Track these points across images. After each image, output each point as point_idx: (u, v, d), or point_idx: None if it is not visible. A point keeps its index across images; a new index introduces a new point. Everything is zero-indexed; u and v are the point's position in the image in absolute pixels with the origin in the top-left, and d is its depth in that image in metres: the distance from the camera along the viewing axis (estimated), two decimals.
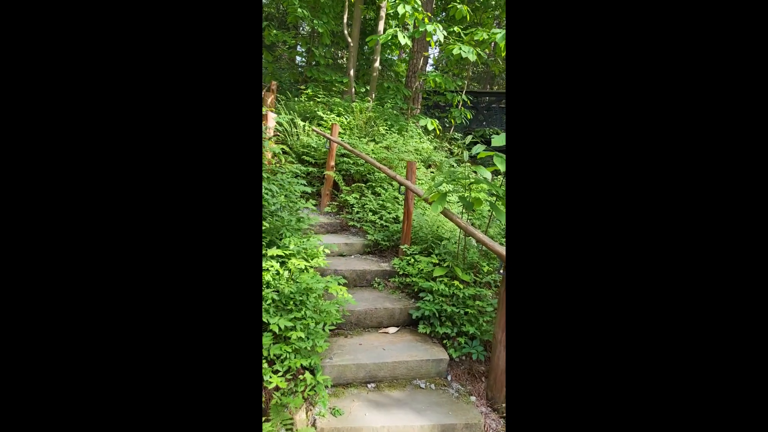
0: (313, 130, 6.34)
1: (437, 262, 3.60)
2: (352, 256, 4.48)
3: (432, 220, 4.44)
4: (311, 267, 3.23)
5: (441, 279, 3.34)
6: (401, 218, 4.64)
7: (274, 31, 8.86)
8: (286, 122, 6.84)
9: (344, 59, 8.87)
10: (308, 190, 5.60)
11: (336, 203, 5.46)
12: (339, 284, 3.07)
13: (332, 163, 5.54)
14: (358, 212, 5.01)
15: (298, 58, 11.21)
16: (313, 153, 6.01)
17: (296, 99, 8.60)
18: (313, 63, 9.84)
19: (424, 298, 3.30)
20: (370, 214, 4.95)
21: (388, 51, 10.22)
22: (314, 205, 5.64)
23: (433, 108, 10.68)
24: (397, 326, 3.33)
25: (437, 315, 3.19)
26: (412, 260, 3.84)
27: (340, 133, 6.75)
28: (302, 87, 9.19)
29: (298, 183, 4.26)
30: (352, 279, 4.00)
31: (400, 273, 3.91)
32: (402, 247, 4.12)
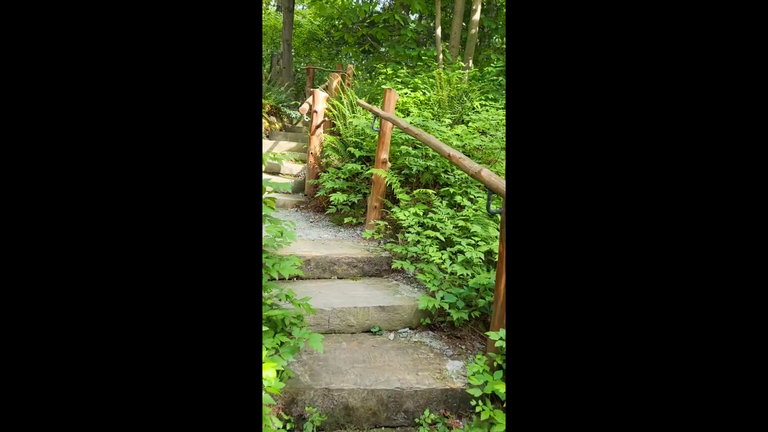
0: (358, 103, 4.15)
1: None
2: (390, 339, 2.21)
3: None
4: None
5: None
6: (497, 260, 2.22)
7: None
8: (345, 104, 4.81)
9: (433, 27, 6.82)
10: (341, 198, 3.40)
11: (387, 222, 3.23)
12: None
13: (384, 156, 3.32)
14: (417, 241, 2.72)
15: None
16: (363, 142, 3.85)
17: (370, 81, 6.58)
18: (395, 37, 7.77)
19: None
20: (435, 248, 2.63)
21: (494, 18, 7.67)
22: (356, 224, 3.46)
23: None
24: None
25: None
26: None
27: (404, 109, 4.49)
28: (379, 66, 7.16)
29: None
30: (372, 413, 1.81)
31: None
32: (491, 336, 1.76)
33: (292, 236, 2.12)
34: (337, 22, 10.09)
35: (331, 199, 3.40)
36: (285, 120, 7.07)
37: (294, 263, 1.86)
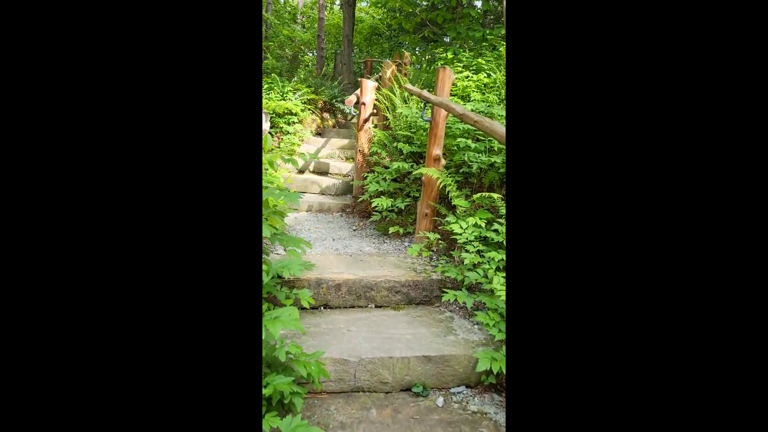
0: (405, 88, 3.48)
1: None
2: (439, 405, 1.54)
3: None
4: None
5: None
6: None
7: None
8: (397, 94, 4.21)
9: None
10: (385, 203, 2.81)
11: (439, 234, 2.57)
12: None
13: (436, 152, 2.65)
14: (477, 264, 2.04)
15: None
16: (414, 135, 3.19)
17: (427, 69, 5.93)
18: (458, 19, 6.98)
19: None
20: (501, 276, 1.92)
21: None
22: (403, 234, 2.85)
23: None
24: None
25: None
26: None
27: (465, 95, 3.76)
28: (439, 50, 6.44)
29: None
30: None
31: None
32: None
33: (295, 270, 1.56)
34: (398, 14, 9.54)
35: (374, 204, 2.82)
36: (339, 116, 6.63)
37: (291, 315, 1.29)
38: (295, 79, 5.89)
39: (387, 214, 2.94)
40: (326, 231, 3.16)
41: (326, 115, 6.36)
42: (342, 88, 6.82)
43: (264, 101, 5.23)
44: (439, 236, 2.41)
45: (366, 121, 4.10)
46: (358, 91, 4.25)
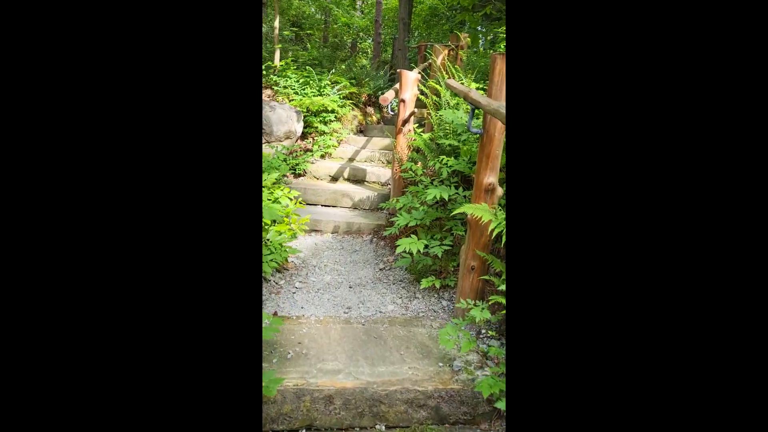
0: (446, 85, 2.52)
1: None
2: None
3: None
4: None
5: None
6: None
7: None
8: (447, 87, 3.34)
9: None
10: (416, 246, 2.04)
11: (490, 310, 1.70)
12: None
13: (490, 179, 1.76)
14: None
15: None
16: (462, 146, 2.30)
17: (487, 52, 4.95)
18: None
19: None
20: None
21: None
22: (441, 288, 2.04)
23: None
24: None
25: None
26: None
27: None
28: (501, 30, 5.37)
29: None
30: None
31: None
32: None
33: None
34: None
35: (399, 248, 2.02)
36: (384, 110, 5.82)
37: None
38: (333, 71, 5.14)
39: (419, 257, 2.14)
40: (345, 270, 2.43)
41: (370, 109, 5.59)
42: (389, 78, 5.99)
43: (297, 98, 4.57)
44: (489, 315, 1.57)
45: (406, 122, 3.28)
46: (397, 85, 3.43)
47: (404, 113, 3.23)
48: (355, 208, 3.59)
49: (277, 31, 5.37)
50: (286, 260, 2.37)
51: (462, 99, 2.64)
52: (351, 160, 4.46)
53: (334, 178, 4.08)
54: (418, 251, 1.95)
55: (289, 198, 2.51)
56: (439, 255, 1.97)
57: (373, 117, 5.54)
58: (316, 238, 3.02)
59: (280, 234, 2.25)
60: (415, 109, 3.14)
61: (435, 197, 2.03)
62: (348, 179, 4.08)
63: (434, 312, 1.95)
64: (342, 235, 3.12)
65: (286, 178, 3.75)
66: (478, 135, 1.80)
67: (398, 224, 2.18)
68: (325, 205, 3.62)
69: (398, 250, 1.98)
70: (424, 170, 2.73)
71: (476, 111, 1.82)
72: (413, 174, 2.47)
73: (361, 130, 5.30)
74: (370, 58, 10.96)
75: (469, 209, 1.69)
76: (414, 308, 1.99)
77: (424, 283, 1.98)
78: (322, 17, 11.31)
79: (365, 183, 4.03)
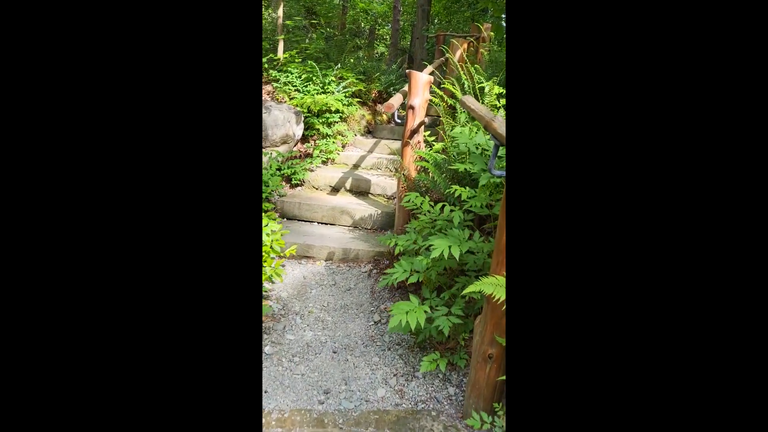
0: (461, 104, 1.86)
1: None
2: None
3: None
4: None
5: None
6: None
7: None
8: (465, 94, 2.81)
9: None
10: (414, 318, 1.55)
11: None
12: None
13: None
14: None
15: None
16: (474, 168, 1.80)
17: None
18: None
19: None
20: None
21: None
22: (451, 366, 1.56)
23: None
24: None
25: None
26: None
27: None
28: None
29: None
30: None
31: None
32: None
33: None
34: None
35: (393, 320, 1.53)
36: (389, 116, 5.29)
37: None
38: (339, 66, 4.60)
39: (420, 327, 1.66)
40: (333, 321, 1.97)
41: (380, 106, 5.06)
42: (402, 73, 5.42)
43: (298, 97, 4.08)
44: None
45: (415, 132, 2.76)
46: (406, 87, 2.91)
47: (413, 122, 2.72)
48: (356, 228, 3.12)
49: (281, 20, 4.86)
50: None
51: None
52: (356, 167, 3.97)
53: (335, 189, 3.61)
54: (418, 323, 1.47)
55: (267, 234, 2.04)
56: (446, 332, 1.48)
57: (383, 116, 5.01)
58: (306, 268, 2.57)
59: None
60: (426, 119, 2.62)
61: (442, 254, 1.53)
62: (350, 190, 3.60)
63: (437, 402, 1.48)
64: (337, 264, 2.66)
65: (280, 188, 3.30)
66: (502, 178, 1.29)
67: (394, 278, 1.69)
68: (322, 223, 3.16)
69: (391, 324, 1.50)
70: (432, 189, 2.23)
71: (502, 148, 1.30)
72: (416, 206, 1.98)
73: (369, 131, 4.79)
74: (389, 44, 10.38)
75: (487, 287, 1.19)
76: (412, 394, 1.52)
77: (426, 365, 1.50)
78: (340, 2, 10.74)
79: (369, 196, 3.55)
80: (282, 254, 2.26)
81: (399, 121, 2.87)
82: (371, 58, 6.65)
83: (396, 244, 1.93)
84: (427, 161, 2.38)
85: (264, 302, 2.07)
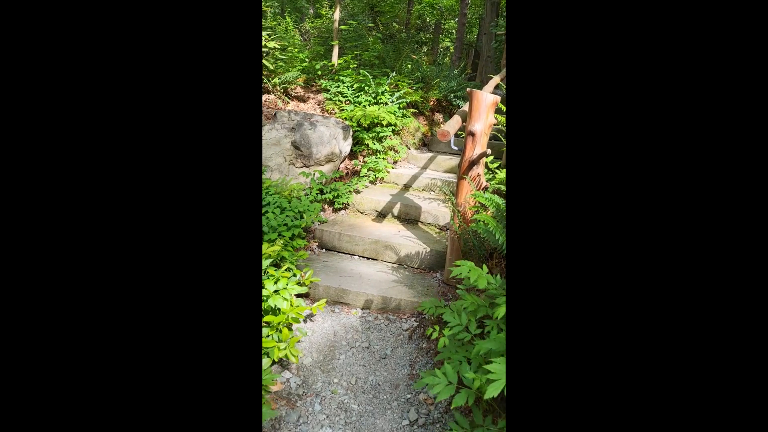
0: None
1: None
2: None
3: None
4: None
5: None
6: None
7: None
8: None
9: None
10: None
11: None
12: None
13: None
14: None
15: None
16: None
17: None
18: None
19: None
20: None
21: None
22: None
23: None
24: None
25: None
26: None
27: None
28: None
29: None
30: None
31: None
32: None
33: None
34: None
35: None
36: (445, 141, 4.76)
37: None
38: (393, 74, 4.14)
39: None
40: (358, 411, 1.58)
41: (439, 116, 4.57)
42: (465, 77, 4.85)
43: (348, 109, 3.72)
44: None
45: (474, 163, 2.26)
46: (466, 107, 2.41)
47: (472, 151, 2.22)
48: (400, 265, 2.70)
49: (336, 24, 4.52)
50: (271, 383, 1.58)
51: None
52: (406, 187, 3.55)
53: (381, 215, 3.21)
54: None
55: (286, 299, 1.69)
56: None
57: (441, 126, 4.52)
58: (338, 319, 2.20)
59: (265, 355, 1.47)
60: (488, 150, 2.12)
61: (500, 388, 1.06)
62: (398, 217, 3.19)
63: None
64: (375, 315, 2.27)
65: (319, 217, 2.98)
66: None
67: (435, 392, 1.26)
68: (363, 257, 2.78)
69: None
70: (488, 240, 1.74)
71: None
72: (465, 278, 1.51)
73: (425, 143, 4.33)
74: (455, 38, 9.82)
75: None
76: None
77: None
78: None
79: (419, 224, 3.11)
80: (305, 314, 1.91)
81: (456, 148, 2.39)
82: (433, 61, 6.12)
83: (440, 325, 1.49)
84: (485, 205, 1.89)
85: (283, 372, 1.73)
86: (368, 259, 2.77)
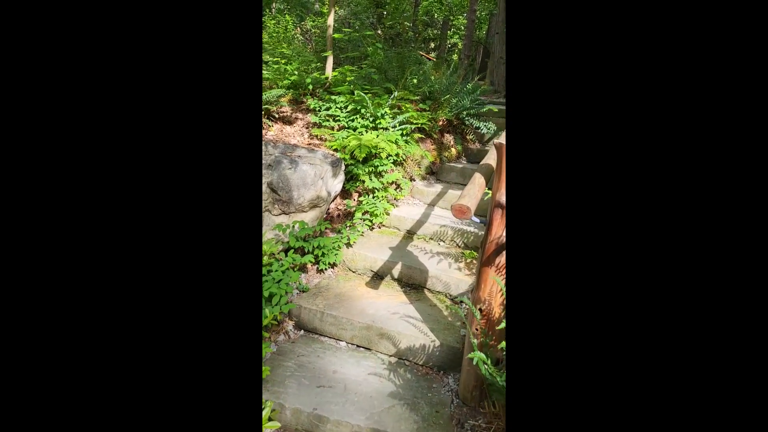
0: None
1: None
2: None
3: None
4: None
5: None
6: None
7: None
8: None
9: None
10: None
11: None
12: None
13: None
14: None
15: None
16: None
17: None
18: None
19: None
20: None
21: None
22: None
23: None
24: None
25: None
26: None
27: None
28: None
29: None
30: None
31: None
32: None
33: None
34: None
35: None
36: (469, 137, 3.99)
37: None
38: (395, 94, 3.39)
39: None
40: None
41: (449, 137, 3.83)
42: (480, 93, 4.09)
43: (339, 136, 3.01)
44: None
45: (500, 248, 1.57)
46: (490, 157, 1.70)
47: (501, 230, 1.52)
48: (400, 360, 2.02)
49: (330, 31, 3.80)
50: None
51: None
52: (410, 234, 2.85)
53: (378, 276, 2.52)
54: None
55: None
56: None
57: (452, 150, 3.78)
58: None
59: None
60: None
61: None
62: (399, 280, 2.49)
63: None
64: None
65: (299, 284, 2.30)
66: None
67: None
68: (352, 344, 2.10)
69: None
70: None
71: None
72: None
73: (433, 172, 3.61)
74: (463, 36, 9.08)
75: None
76: None
77: None
78: None
79: (425, 292, 2.42)
80: None
81: (477, 221, 1.70)
82: (440, 63, 5.37)
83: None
84: None
85: None
86: (358, 347, 2.09)
